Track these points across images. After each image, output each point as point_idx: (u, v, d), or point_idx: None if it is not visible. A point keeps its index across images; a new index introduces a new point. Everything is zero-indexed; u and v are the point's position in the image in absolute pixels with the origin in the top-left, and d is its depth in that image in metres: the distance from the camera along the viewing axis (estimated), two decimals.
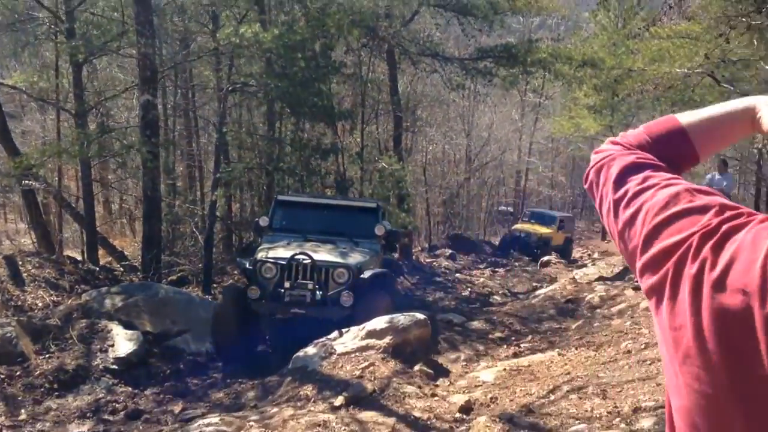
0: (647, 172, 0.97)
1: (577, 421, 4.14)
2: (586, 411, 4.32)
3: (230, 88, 11.77)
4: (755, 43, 11.45)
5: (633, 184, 0.96)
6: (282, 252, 8.02)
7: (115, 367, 6.86)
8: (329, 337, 6.79)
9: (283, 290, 7.66)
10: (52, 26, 11.43)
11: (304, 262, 7.69)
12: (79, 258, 11.53)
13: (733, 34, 10.24)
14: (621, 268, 12.54)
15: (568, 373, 5.58)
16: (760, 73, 12.33)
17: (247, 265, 8.09)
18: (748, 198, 21.93)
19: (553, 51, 15.65)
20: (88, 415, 5.96)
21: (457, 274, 16.17)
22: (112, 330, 7.44)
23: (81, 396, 6.32)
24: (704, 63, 11.45)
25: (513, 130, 31.84)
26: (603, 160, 1.06)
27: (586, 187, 1.12)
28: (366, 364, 5.97)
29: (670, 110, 18.47)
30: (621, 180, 0.98)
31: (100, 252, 12.15)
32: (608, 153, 1.07)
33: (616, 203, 0.97)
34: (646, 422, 3.85)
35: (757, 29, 10.54)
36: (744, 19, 9.85)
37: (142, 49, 10.10)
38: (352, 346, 6.45)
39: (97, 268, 10.72)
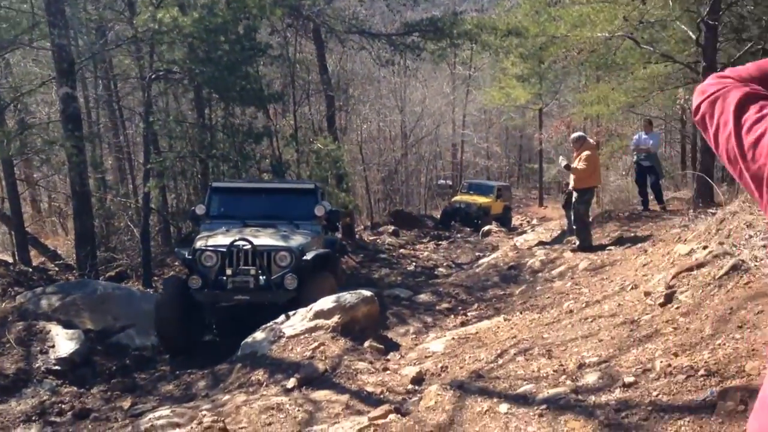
0: (762, 102, 1.10)
1: (525, 382, 4.24)
2: (533, 371, 4.43)
3: (153, 76, 11.42)
4: (670, 3, 11.82)
5: (752, 112, 1.09)
6: (221, 239, 7.88)
7: (57, 367, 6.64)
8: (276, 321, 6.74)
9: (225, 278, 7.54)
10: None
11: (245, 247, 7.57)
12: (10, 260, 11.06)
13: None
14: (559, 231, 12.85)
15: (515, 337, 5.70)
16: (677, 33, 12.74)
17: (187, 255, 7.91)
18: (675, 155, 22.77)
19: (478, 22, 15.77)
20: (33, 418, 5.75)
21: (401, 250, 16.28)
22: (51, 331, 7.19)
23: (24, 400, 6.10)
24: (624, 26, 11.75)
25: (446, 103, 32.07)
26: (718, 92, 1.18)
27: (696, 119, 1.23)
28: (316, 344, 5.95)
29: (595, 74, 18.97)
30: (741, 108, 1.11)
31: (32, 252, 11.72)
32: (721, 86, 1.18)
33: (737, 129, 1.10)
34: (591, 377, 3.97)
35: None
36: None
37: (56, 41, 9.68)
38: (300, 327, 6.42)
39: (30, 269, 10.33)
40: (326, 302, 6.66)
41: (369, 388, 4.96)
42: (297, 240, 8.13)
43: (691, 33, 11.20)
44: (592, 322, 5.37)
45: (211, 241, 7.86)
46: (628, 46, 13.27)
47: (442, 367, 5.21)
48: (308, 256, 7.87)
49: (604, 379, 3.85)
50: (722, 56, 11.73)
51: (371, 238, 17.92)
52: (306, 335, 6.23)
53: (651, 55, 13.16)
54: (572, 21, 13.12)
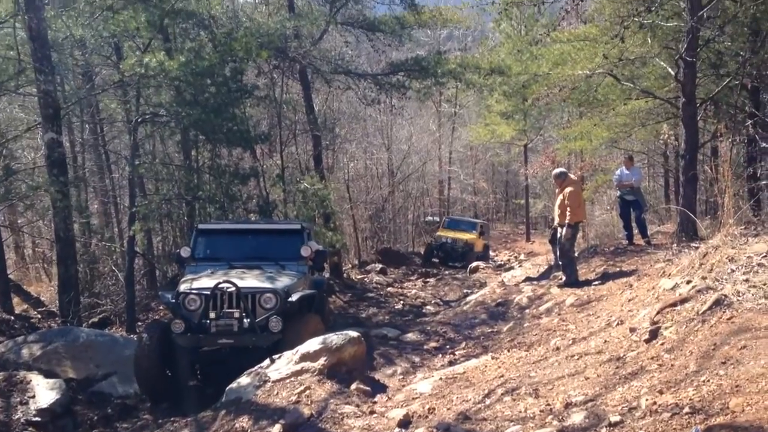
0: None
1: (511, 423, 4.19)
2: (520, 412, 4.39)
3: (140, 120, 11.47)
4: (649, 41, 12.08)
5: None
6: (206, 282, 7.80)
7: (38, 419, 6.51)
8: (262, 365, 6.65)
9: (208, 321, 7.43)
10: None
11: (229, 290, 7.49)
12: None
13: (627, 33, 10.75)
14: (546, 267, 12.88)
15: (502, 376, 5.66)
16: (656, 69, 13.00)
17: (170, 299, 7.82)
18: (658, 189, 22.99)
19: (462, 61, 16.05)
20: None
21: (389, 288, 16.23)
22: (31, 380, 7.06)
23: None
24: (604, 63, 11.97)
25: (432, 140, 32.38)
26: None
27: None
28: (302, 388, 5.87)
29: (578, 110, 19.26)
30: None
31: (15, 300, 11.57)
32: None
33: None
34: (577, 417, 3.94)
35: (650, 28, 11.12)
36: (636, 19, 10.37)
37: (42, 87, 9.72)
38: (286, 371, 6.34)
39: (12, 317, 10.19)
40: (312, 344, 6.59)
41: None
42: (283, 281, 8.06)
43: (670, 69, 11.42)
44: (578, 359, 5.34)
45: (196, 284, 7.79)
46: (609, 83, 13.50)
47: (429, 409, 5.15)
48: (294, 297, 7.80)
49: (591, 419, 3.82)
50: (701, 91, 11.95)
51: (359, 276, 17.86)
52: (292, 379, 6.15)
53: (631, 91, 13.39)
54: (553, 59, 13.38)
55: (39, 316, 11.27)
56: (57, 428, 6.58)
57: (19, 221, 16.00)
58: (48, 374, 7.32)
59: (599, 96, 14.08)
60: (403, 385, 6.62)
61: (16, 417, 6.49)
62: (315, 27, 15.85)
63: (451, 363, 7.42)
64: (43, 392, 6.89)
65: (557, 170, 10.42)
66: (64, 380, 7.27)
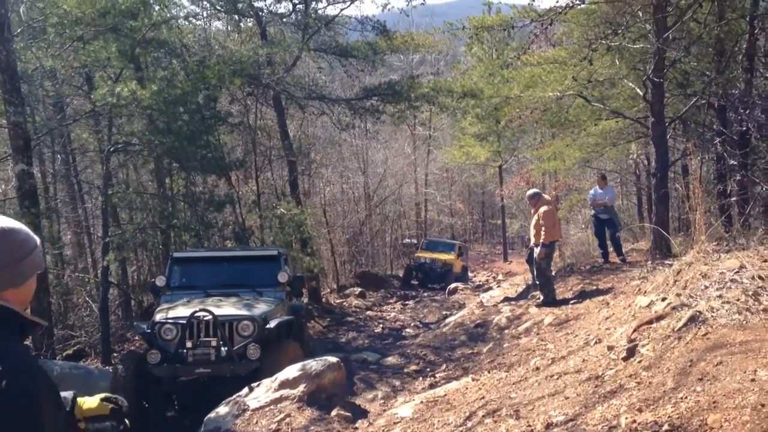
0: None
1: None
2: None
3: (112, 149, 11.38)
4: (617, 62, 12.33)
5: None
6: (182, 310, 7.71)
7: None
8: (240, 393, 6.57)
9: (185, 350, 7.34)
10: None
11: (206, 318, 7.41)
12: None
13: (596, 56, 10.96)
14: (524, 286, 12.94)
15: (483, 398, 5.65)
16: (625, 90, 13.25)
17: (146, 329, 7.71)
18: (631, 207, 23.32)
19: (435, 85, 16.24)
20: None
21: (368, 312, 16.16)
22: None
23: None
24: (574, 85, 12.18)
25: (407, 163, 32.55)
26: None
27: None
28: (281, 416, 5.81)
29: (550, 131, 19.53)
30: None
31: None
32: None
33: None
34: None
35: (617, 50, 11.35)
36: (604, 42, 10.58)
37: (12, 118, 9.59)
38: (265, 399, 6.27)
39: None
40: (291, 371, 6.54)
41: None
42: (260, 308, 7.99)
43: (638, 90, 11.65)
44: (557, 379, 5.35)
45: (171, 313, 7.69)
46: (580, 104, 13.73)
47: None
48: (271, 324, 7.73)
49: None
50: (669, 111, 12.19)
51: (338, 300, 17.78)
52: (271, 407, 6.09)
53: (602, 111, 13.63)
54: (525, 82, 13.60)
55: None
56: None
57: None
58: None
59: (570, 117, 14.30)
60: (384, 410, 6.57)
61: None
62: (288, 54, 15.95)
63: (431, 386, 7.39)
64: None
65: (531, 191, 10.53)
66: None
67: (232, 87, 13.81)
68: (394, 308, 16.92)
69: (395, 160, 30.91)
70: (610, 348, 5.45)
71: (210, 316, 7.37)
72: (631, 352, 4.95)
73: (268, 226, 15.75)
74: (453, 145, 33.43)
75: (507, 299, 12.00)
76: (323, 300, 16.91)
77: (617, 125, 14.65)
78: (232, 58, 12.98)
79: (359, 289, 19.07)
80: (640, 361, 4.73)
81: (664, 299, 5.79)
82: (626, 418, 3.74)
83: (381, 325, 14.09)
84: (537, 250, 9.72)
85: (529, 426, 4.33)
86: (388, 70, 22.33)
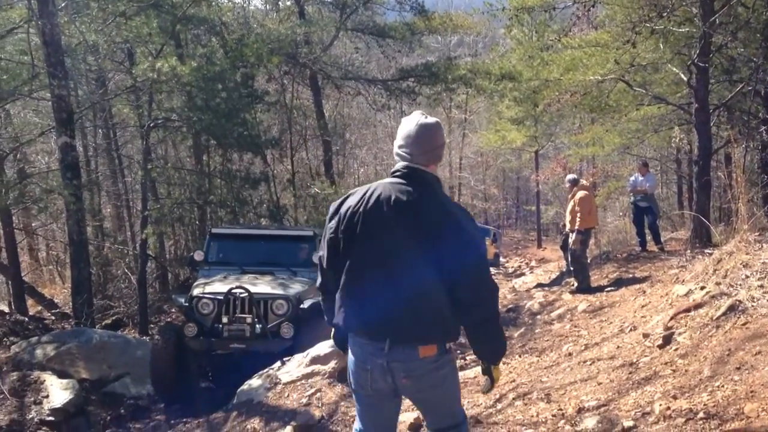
0: None
1: (523, 427, 4.17)
2: (532, 416, 4.36)
3: (152, 124, 11.54)
4: (661, 46, 12.03)
5: None
6: (219, 286, 7.84)
7: (51, 418, 6.54)
8: (273, 367, 6.66)
9: (221, 326, 7.48)
10: None
11: (242, 295, 7.53)
12: (6, 310, 11.00)
13: (639, 39, 10.71)
14: (557, 273, 12.83)
15: (513, 381, 5.63)
16: (669, 75, 12.94)
17: (184, 302, 7.87)
18: (671, 196, 22.87)
19: (473, 67, 16.07)
20: None
21: None
22: (45, 380, 7.11)
23: None
24: (615, 69, 11.93)
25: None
26: None
27: None
28: (312, 390, 5.87)
29: (589, 116, 19.21)
30: None
31: (29, 301, 11.66)
32: None
33: None
34: (590, 422, 3.91)
35: (661, 33, 11.07)
36: (648, 25, 10.33)
37: (55, 91, 9.79)
38: (297, 374, 6.33)
39: (26, 318, 10.26)
40: (323, 347, 6.59)
41: None
42: (294, 288, 8.07)
43: (682, 75, 11.37)
44: (591, 364, 5.31)
45: (209, 289, 7.82)
46: (621, 89, 13.46)
47: None
48: (305, 304, 7.81)
49: (603, 424, 3.79)
50: (714, 97, 11.89)
51: None
52: (302, 381, 6.15)
53: (644, 97, 13.34)
54: (565, 65, 13.35)
55: (53, 317, 11.35)
56: (70, 428, 6.61)
57: (33, 224, 16.13)
58: (61, 374, 7.36)
59: (611, 102, 14.03)
60: None
61: (30, 416, 6.53)
62: (325, 33, 15.96)
63: (461, 368, 7.38)
64: (57, 392, 6.93)
65: (570, 176, 10.40)
66: (78, 381, 7.31)
67: (269, 65, 13.87)
68: None
69: None
70: (646, 335, 5.38)
71: (246, 294, 7.48)
72: (668, 339, 4.89)
73: (301, 205, 15.88)
74: (489, 129, 33.11)
75: (540, 285, 11.92)
76: None
77: (659, 111, 14.34)
78: (270, 37, 13.05)
79: None
80: (676, 349, 4.66)
81: (702, 288, 5.69)
82: (660, 405, 3.70)
83: None
84: (572, 237, 9.62)
85: (560, 410, 4.31)
86: (425, 52, 22.16)
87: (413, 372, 2.58)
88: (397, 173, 2.62)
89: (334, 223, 2.66)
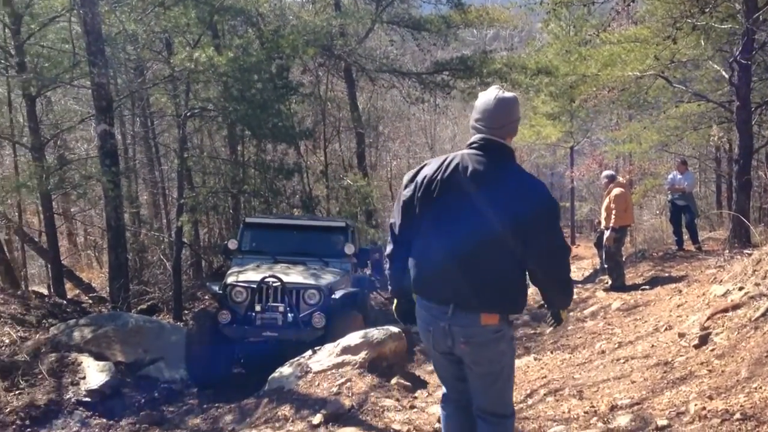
0: None
1: (554, 423, 4.15)
2: (564, 412, 4.34)
3: (188, 114, 11.68)
4: (702, 43, 11.79)
5: None
6: (252, 275, 7.94)
7: (87, 399, 6.69)
8: (303, 356, 6.72)
9: (254, 314, 7.59)
10: (2, 61, 11.22)
11: (275, 284, 7.63)
12: (46, 293, 11.27)
13: (680, 35, 10.51)
14: (591, 270, 12.69)
15: (545, 377, 5.60)
16: (709, 72, 12.68)
17: (217, 290, 7.99)
18: (710, 195, 22.42)
19: (508, 61, 15.92)
20: None
21: None
22: (82, 362, 7.26)
23: (54, 431, 6.15)
24: (655, 65, 11.73)
25: None
26: None
27: None
28: (342, 380, 5.91)
29: (627, 113, 18.90)
30: None
31: (67, 285, 11.91)
32: None
33: None
34: (623, 420, 3.87)
35: (703, 29, 10.85)
36: (689, 20, 10.12)
37: (95, 80, 9.96)
38: (327, 363, 6.38)
39: (65, 302, 10.48)
40: (354, 338, 6.63)
41: (396, 426, 4.89)
42: (326, 278, 8.15)
43: (723, 72, 11.13)
44: (624, 363, 5.26)
45: (242, 277, 7.93)
46: (660, 85, 13.22)
47: None
48: (337, 294, 7.90)
49: (637, 422, 3.75)
50: (756, 95, 11.62)
51: None
52: (333, 371, 6.19)
53: (683, 94, 13.11)
54: (603, 60, 13.15)
55: (90, 301, 11.58)
56: (106, 409, 6.74)
57: (72, 209, 16.48)
58: (98, 357, 7.50)
59: (649, 98, 13.82)
60: None
61: (67, 397, 6.69)
62: (360, 25, 15.94)
63: None
64: (94, 374, 7.08)
65: (606, 172, 10.27)
66: (114, 363, 7.44)
67: (304, 57, 13.92)
68: None
69: (463, 137, 30.50)
70: (682, 335, 5.30)
71: (279, 283, 7.58)
72: (704, 339, 4.81)
73: (334, 196, 15.94)
74: (523, 124, 32.73)
75: (573, 282, 11.79)
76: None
77: (699, 108, 14.05)
78: (306, 28, 13.08)
79: None
80: (712, 350, 4.59)
81: (741, 288, 5.59)
82: (695, 405, 3.64)
83: None
84: (607, 234, 9.50)
85: (593, 407, 4.28)
86: (461, 45, 21.96)
87: (472, 338, 2.70)
88: (475, 144, 2.76)
89: (409, 190, 2.81)
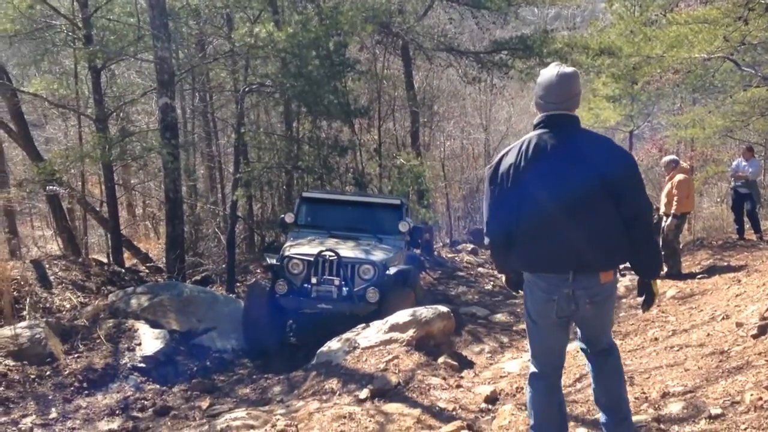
0: None
1: None
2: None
3: (247, 89, 11.83)
4: None
5: None
6: (308, 248, 8.10)
7: (142, 365, 6.94)
8: (352, 331, 6.80)
9: (309, 286, 7.75)
10: (70, 33, 11.56)
11: (331, 258, 7.77)
12: (105, 261, 11.68)
13: (752, 16, 10.06)
14: None
15: None
16: None
17: (275, 261, 8.15)
18: None
19: (569, 41, 15.54)
20: (117, 412, 6.03)
21: (480, 269, 16.09)
22: (138, 329, 7.52)
23: (110, 394, 6.40)
24: (724, 47, 11.28)
25: (531, 123, 31.57)
26: None
27: None
28: (390, 357, 5.96)
29: (691, 96, 18.26)
30: None
31: (125, 254, 12.29)
32: None
33: None
34: (675, 407, 3.80)
35: None
36: (762, 1, 9.68)
37: (158, 53, 10.18)
38: (375, 339, 6.45)
39: (123, 270, 10.85)
40: (402, 316, 6.67)
41: (441, 404, 4.92)
42: (380, 254, 8.24)
43: None
44: (678, 351, 5.14)
45: (299, 250, 8.09)
46: (728, 68, 12.74)
47: (517, 388, 5.11)
48: (391, 271, 7.98)
49: (689, 410, 3.68)
50: None
51: (449, 255, 17.82)
52: (380, 347, 6.26)
53: (752, 77, 12.58)
54: (669, 41, 12.70)
55: (147, 270, 11.94)
56: (159, 375, 6.97)
57: (132, 181, 16.96)
58: (153, 324, 7.76)
59: (716, 82, 13.34)
60: (491, 363, 6.60)
61: (123, 362, 6.94)
62: (420, 3, 15.79)
63: None
64: (149, 341, 7.33)
65: (668, 157, 9.97)
66: (168, 331, 7.69)
67: (362, 34, 13.90)
68: None
69: (519, 118, 30.01)
70: (739, 325, 5.15)
71: (335, 257, 7.70)
72: (763, 330, 4.66)
73: (386, 175, 15.94)
74: (582, 107, 31.97)
75: (627, 268, 11.52)
76: (435, 253, 17.01)
77: None
78: (365, 5, 13.04)
79: (472, 246, 18.98)
80: None
81: None
82: (751, 395, 3.55)
83: (492, 283, 14.01)
84: (666, 221, 9.25)
85: (644, 393, 4.21)
86: (521, 24, 21.51)
87: (596, 297, 2.97)
88: (542, 123, 2.98)
89: (499, 181, 2.98)
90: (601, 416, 3.34)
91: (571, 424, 3.91)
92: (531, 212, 2.89)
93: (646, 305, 3.19)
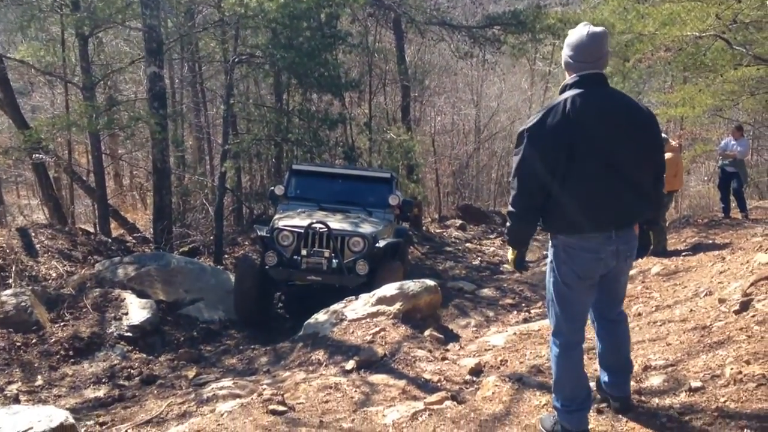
0: None
1: (588, 381, 4.15)
2: (595, 370, 4.33)
3: (236, 60, 11.71)
4: (767, 4, 11.23)
5: None
6: (298, 220, 8.11)
7: (129, 334, 6.96)
8: (339, 303, 6.84)
9: (299, 258, 7.76)
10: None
11: (321, 230, 7.78)
12: (92, 230, 11.63)
13: None
14: None
15: None
16: None
17: (265, 233, 8.16)
18: (762, 163, 21.69)
19: (562, 16, 15.47)
20: (103, 380, 6.06)
21: (467, 244, 16.18)
22: (125, 299, 7.52)
23: (96, 362, 6.42)
24: (716, 25, 11.24)
25: (523, 99, 31.46)
26: None
27: None
28: (377, 329, 6.00)
29: (682, 75, 18.24)
30: None
31: (112, 224, 12.25)
32: None
33: None
34: (656, 380, 3.86)
35: None
36: None
37: (147, 21, 10.07)
38: (362, 312, 6.48)
39: (110, 240, 10.81)
40: (389, 289, 6.70)
41: (426, 376, 4.97)
42: (370, 227, 8.26)
43: None
44: (661, 326, 5.20)
45: (289, 222, 8.09)
46: (719, 47, 12.68)
47: (501, 361, 5.16)
48: (380, 243, 8.01)
49: (670, 383, 3.74)
50: None
51: (438, 230, 17.89)
52: (367, 320, 6.29)
53: (743, 56, 12.56)
54: (661, 19, 12.64)
55: (134, 240, 11.92)
56: (146, 344, 7.01)
57: (119, 151, 16.83)
58: (140, 294, 7.77)
59: (707, 60, 13.27)
60: (476, 337, 6.65)
61: (110, 331, 6.95)
62: None
63: (525, 320, 7.38)
64: (136, 310, 7.34)
65: None
66: (155, 301, 7.71)
67: (354, 6, 13.76)
68: (493, 243, 16.85)
69: (510, 94, 29.92)
70: (722, 301, 5.21)
71: (325, 229, 7.71)
72: (745, 306, 4.72)
73: (376, 149, 15.91)
74: None
75: None
76: (424, 228, 17.06)
77: (758, 73, 13.46)
78: None
79: (460, 222, 19.06)
80: (753, 316, 4.50)
81: None
82: (731, 369, 3.60)
83: (479, 258, 14.11)
84: None
85: None
86: None
87: (632, 250, 3.12)
88: (575, 85, 2.95)
89: (542, 143, 2.90)
90: (602, 375, 3.48)
91: (553, 395, 3.96)
92: (579, 173, 2.89)
93: (644, 251, 3.36)
